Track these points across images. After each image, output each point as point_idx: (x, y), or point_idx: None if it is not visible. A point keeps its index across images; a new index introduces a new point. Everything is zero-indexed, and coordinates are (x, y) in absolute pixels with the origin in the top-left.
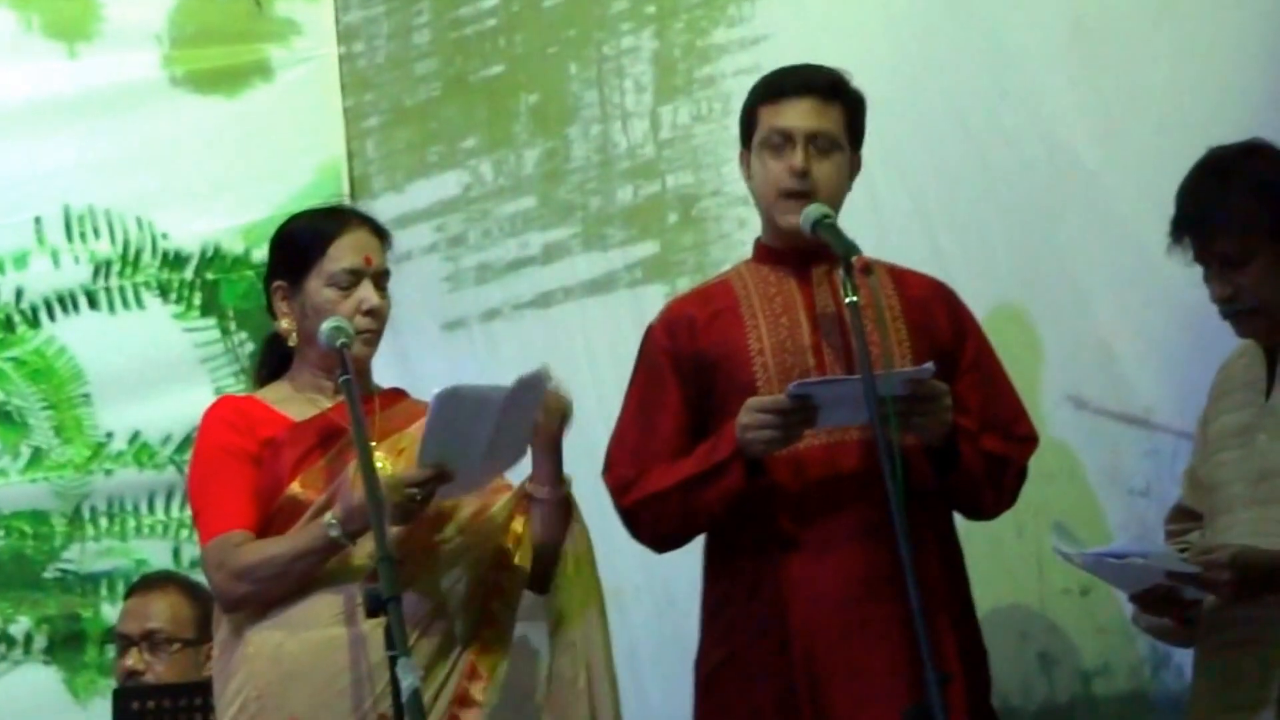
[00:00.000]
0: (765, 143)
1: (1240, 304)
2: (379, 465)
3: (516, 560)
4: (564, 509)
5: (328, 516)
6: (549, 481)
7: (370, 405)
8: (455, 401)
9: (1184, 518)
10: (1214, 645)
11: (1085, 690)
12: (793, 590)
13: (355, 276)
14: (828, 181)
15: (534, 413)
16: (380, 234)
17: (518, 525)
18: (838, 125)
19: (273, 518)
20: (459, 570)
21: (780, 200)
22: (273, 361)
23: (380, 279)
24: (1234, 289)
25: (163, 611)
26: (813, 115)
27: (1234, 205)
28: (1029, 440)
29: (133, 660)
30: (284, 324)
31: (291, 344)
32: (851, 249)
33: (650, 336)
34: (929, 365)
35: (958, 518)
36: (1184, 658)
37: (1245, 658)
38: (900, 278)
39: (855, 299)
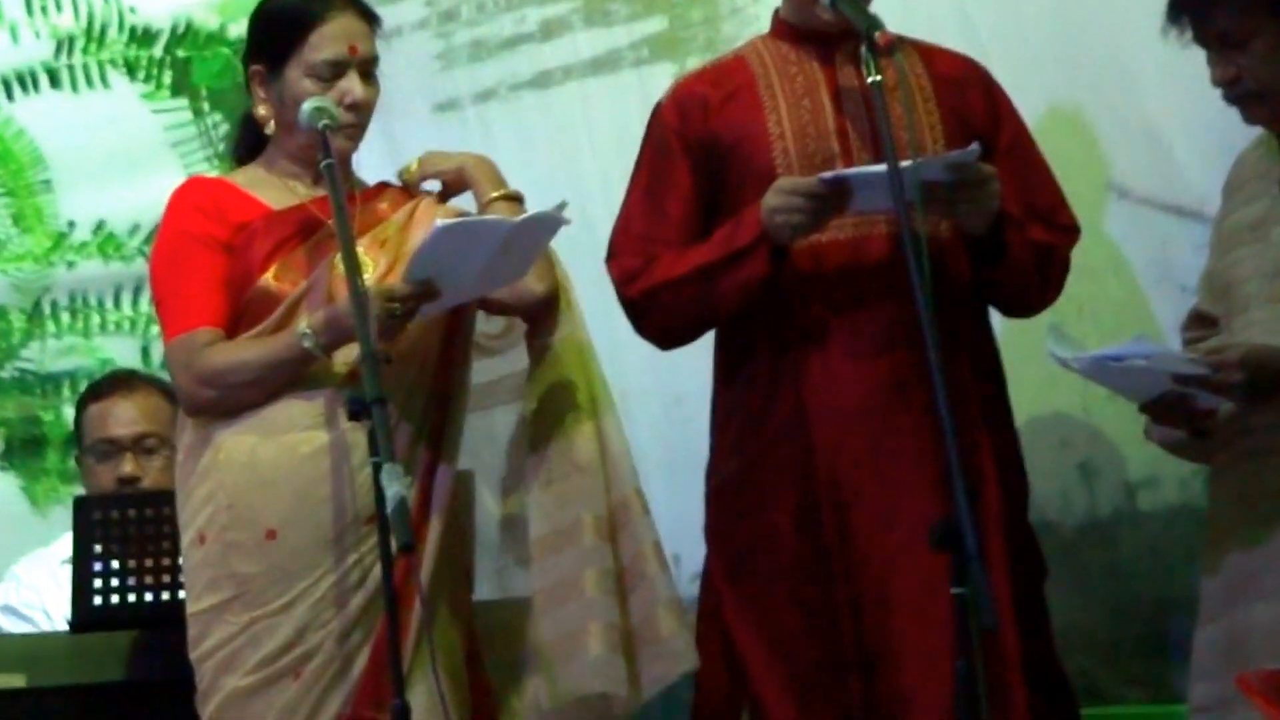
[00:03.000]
0: None
1: (1242, 87)
2: (360, 260)
3: None
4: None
5: (302, 325)
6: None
7: (352, 199)
8: (455, 235)
9: (1201, 324)
10: (1232, 456)
11: (1129, 503)
12: (813, 396)
13: (338, 68)
14: None
15: (541, 247)
16: (368, 17)
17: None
18: None
19: (243, 311)
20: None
21: None
22: (250, 139)
23: (367, 67)
24: (1235, 71)
25: (153, 413)
26: None
27: None
28: (1071, 230)
29: (130, 466)
30: (261, 110)
31: (269, 132)
32: (875, 24)
33: (658, 116)
34: (974, 147)
35: (994, 318)
36: None
37: (1265, 468)
38: (931, 56)
39: (879, 78)
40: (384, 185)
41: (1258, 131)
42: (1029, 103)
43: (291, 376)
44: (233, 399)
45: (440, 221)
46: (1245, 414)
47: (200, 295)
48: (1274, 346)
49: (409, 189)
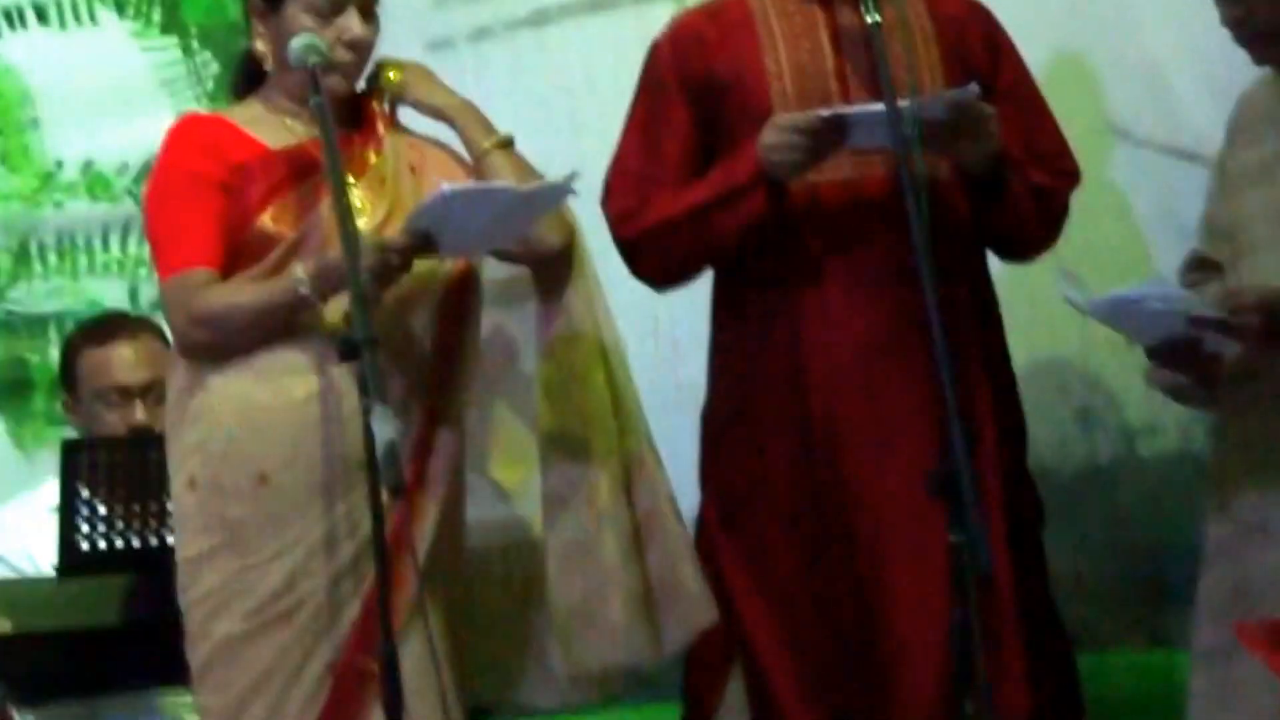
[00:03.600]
0: None
1: (1251, 27)
2: (357, 205)
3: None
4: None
5: (298, 271)
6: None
7: (349, 141)
8: (460, 200)
9: (1202, 267)
10: (1240, 403)
11: (1129, 450)
12: (810, 337)
13: (337, 4)
14: None
15: (545, 213)
16: None
17: None
18: None
19: (239, 251)
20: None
21: None
22: (249, 75)
23: (367, 5)
24: (1245, 10)
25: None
26: None
27: None
28: (1073, 175)
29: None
30: (259, 46)
31: (267, 68)
32: None
33: (655, 54)
34: (973, 86)
35: (991, 262)
36: None
37: (1272, 414)
38: None
39: (878, 18)
40: (373, 114)
41: (1261, 72)
42: (1033, 48)
43: (287, 321)
44: (227, 342)
45: (446, 185)
46: (1252, 361)
47: (196, 234)
48: None
49: (379, 95)
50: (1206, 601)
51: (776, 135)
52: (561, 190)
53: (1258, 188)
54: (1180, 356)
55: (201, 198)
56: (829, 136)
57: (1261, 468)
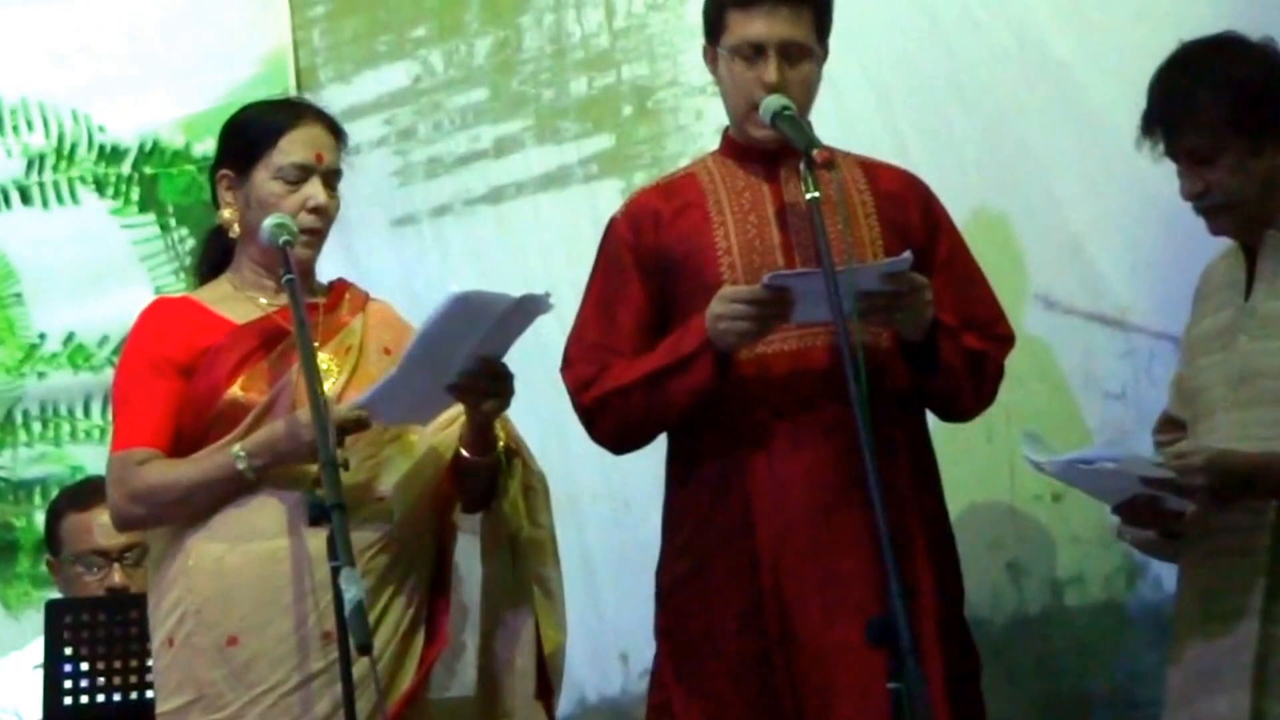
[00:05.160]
0: (736, 51)
1: (1210, 200)
2: (324, 368)
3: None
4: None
5: (236, 447)
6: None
7: (314, 309)
8: (467, 303)
9: (1172, 428)
10: (1198, 555)
11: (1057, 601)
12: (760, 499)
13: (304, 172)
14: (800, 90)
15: (523, 328)
16: (336, 131)
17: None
18: (809, 30)
19: (211, 424)
20: (399, 501)
21: (753, 112)
22: (214, 255)
23: (330, 178)
24: (1204, 185)
25: None
26: (785, 24)
27: (1202, 101)
28: (1007, 340)
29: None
30: (226, 214)
31: (233, 235)
32: (813, 142)
33: (612, 229)
34: (907, 255)
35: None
36: (1161, 569)
37: (1228, 566)
38: (872, 171)
39: (817, 194)
40: (343, 286)
41: (1176, 242)
42: (956, 211)
43: (226, 496)
44: (163, 515)
45: (455, 289)
46: (1209, 515)
47: (145, 416)
48: (1236, 451)
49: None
50: None
51: (722, 306)
52: (541, 303)
53: (1214, 353)
54: (1143, 513)
55: (154, 384)
56: (773, 309)
57: (1213, 618)
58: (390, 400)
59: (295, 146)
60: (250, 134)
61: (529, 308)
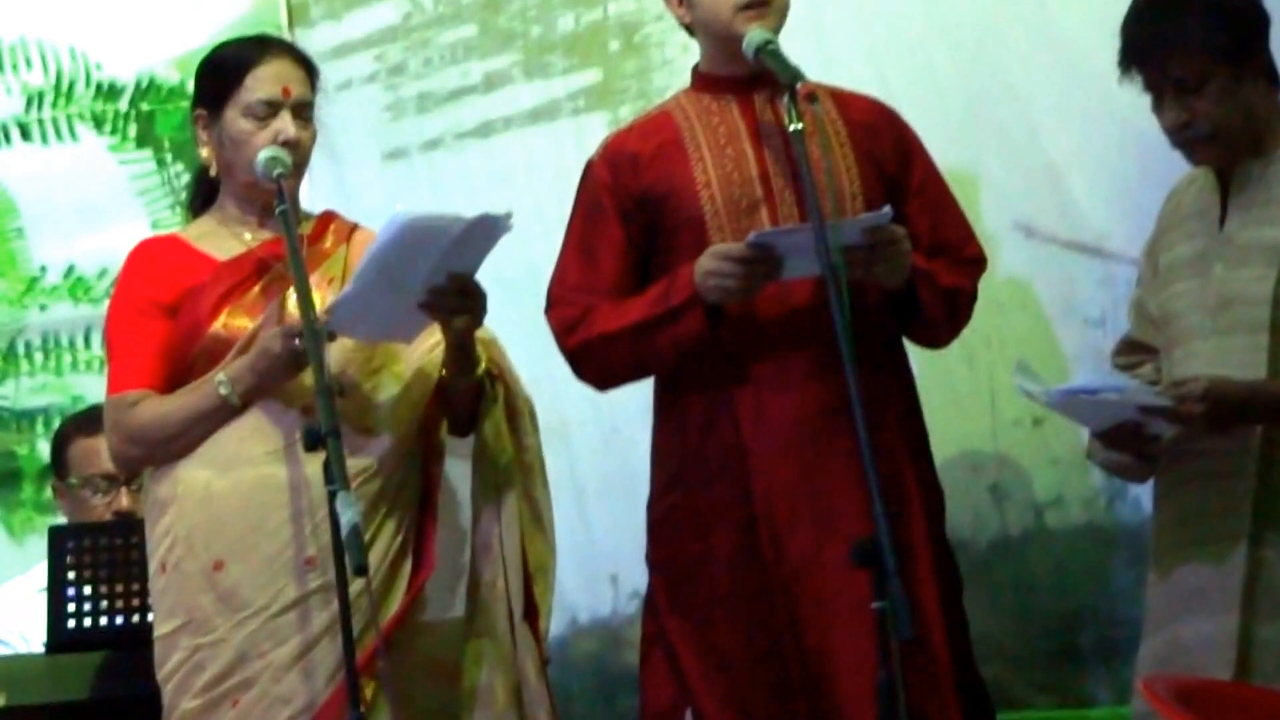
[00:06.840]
0: None
1: (1195, 130)
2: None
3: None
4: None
5: (219, 374)
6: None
7: (299, 240)
8: (416, 228)
9: (1133, 350)
10: (1177, 479)
11: (1038, 523)
12: (748, 430)
13: (272, 108)
14: (777, 15)
15: (485, 251)
16: (304, 64)
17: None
18: None
19: (194, 361)
20: (388, 427)
21: (739, 13)
22: (205, 191)
23: (301, 110)
24: (1189, 115)
25: None
26: None
27: (1190, 26)
28: (978, 262)
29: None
30: (204, 153)
31: (213, 174)
32: (796, 75)
33: (591, 173)
34: (886, 210)
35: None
36: (1140, 490)
37: (1208, 491)
38: (844, 101)
39: (800, 126)
40: (329, 217)
41: (1152, 170)
42: (937, 149)
43: (217, 426)
44: (159, 456)
45: (402, 212)
46: (1197, 439)
47: (136, 359)
48: (1233, 380)
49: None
50: (1143, 667)
51: (712, 262)
52: (502, 224)
53: (1188, 279)
54: (1124, 438)
55: (141, 326)
56: (761, 268)
57: (1195, 540)
58: (352, 315)
59: (261, 83)
60: (219, 73)
61: (488, 228)
